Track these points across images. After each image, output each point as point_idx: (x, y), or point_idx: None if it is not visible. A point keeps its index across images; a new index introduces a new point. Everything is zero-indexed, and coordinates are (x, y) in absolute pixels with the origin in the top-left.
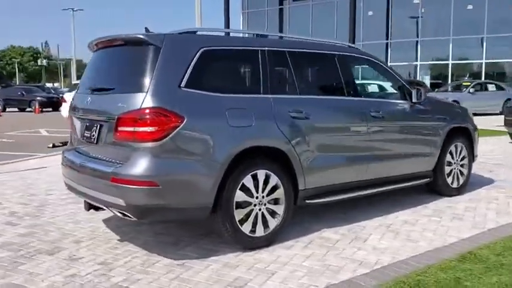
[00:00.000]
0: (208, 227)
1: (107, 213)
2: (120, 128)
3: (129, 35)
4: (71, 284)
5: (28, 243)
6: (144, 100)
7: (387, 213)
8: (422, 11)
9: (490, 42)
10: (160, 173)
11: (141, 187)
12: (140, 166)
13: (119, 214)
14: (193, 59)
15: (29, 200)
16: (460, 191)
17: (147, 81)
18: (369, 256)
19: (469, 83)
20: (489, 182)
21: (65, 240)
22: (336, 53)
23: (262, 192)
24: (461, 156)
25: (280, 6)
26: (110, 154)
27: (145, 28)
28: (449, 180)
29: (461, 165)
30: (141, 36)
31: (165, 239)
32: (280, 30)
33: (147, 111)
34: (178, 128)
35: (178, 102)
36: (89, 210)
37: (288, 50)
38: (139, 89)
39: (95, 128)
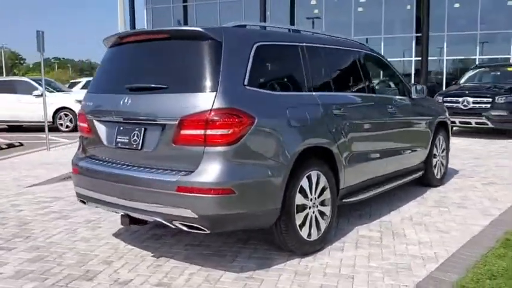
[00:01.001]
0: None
1: (111, 227)
2: (184, 132)
3: (184, 28)
4: None
5: (50, 270)
6: (215, 100)
7: (397, 207)
8: (316, 11)
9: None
10: (236, 179)
11: (217, 195)
12: (214, 172)
13: (183, 227)
14: (250, 54)
15: (1, 219)
16: (442, 181)
17: (213, 79)
18: (424, 250)
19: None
20: (454, 172)
21: (90, 262)
22: (356, 49)
23: (315, 193)
24: (442, 148)
25: (185, 4)
26: (166, 161)
27: (178, 21)
28: (435, 171)
29: (442, 157)
30: (201, 30)
31: (204, 250)
32: None
33: (220, 112)
34: (250, 130)
35: (247, 102)
36: (129, 225)
37: (324, 46)
38: (206, 87)
39: (136, 132)
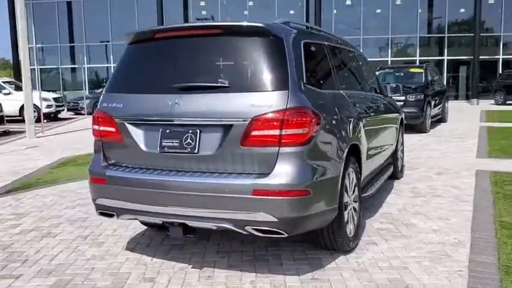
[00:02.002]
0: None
1: (116, 241)
2: (257, 132)
3: (243, 23)
4: None
5: None
6: (289, 98)
7: (384, 199)
8: (204, 13)
9: None
10: (311, 179)
11: (296, 197)
12: (291, 174)
13: (256, 233)
14: (302, 52)
15: None
16: (402, 173)
17: (283, 77)
18: (444, 237)
19: None
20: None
21: (128, 281)
22: (354, 50)
23: (351, 190)
24: (400, 142)
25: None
26: (231, 164)
27: (212, 16)
28: (399, 164)
29: (401, 151)
30: (264, 26)
31: (241, 256)
32: (70, 26)
33: (295, 111)
34: (318, 129)
35: (311, 100)
36: (184, 235)
37: (339, 46)
38: (277, 86)
39: (190, 135)
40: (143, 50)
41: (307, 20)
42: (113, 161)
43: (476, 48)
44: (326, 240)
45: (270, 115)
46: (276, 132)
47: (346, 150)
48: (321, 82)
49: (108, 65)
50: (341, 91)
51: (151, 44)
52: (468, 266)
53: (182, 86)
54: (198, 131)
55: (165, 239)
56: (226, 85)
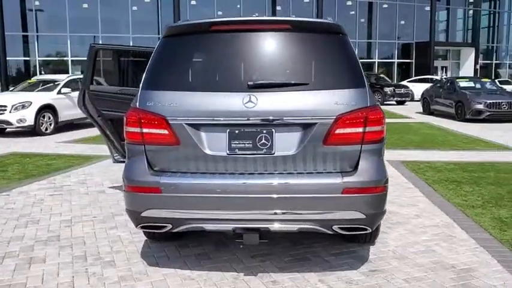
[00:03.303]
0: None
1: (128, 258)
2: (341, 130)
3: (313, 19)
4: None
5: None
6: (368, 96)
7: None
8: (37, 3)
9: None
10: (386, 176)
11: (380, 193)
12: (375, 171)
13: (342, 231)
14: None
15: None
16: None
17: (359, 74)
18: (434, 221)
19: None
20: None
21: None
22: None
23: None
24: None
25: None
26: (311, 163)
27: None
28: None
29: None
30: (336, 23)
31: (280, 258)
32: None
33: (375, 108)
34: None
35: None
36: (260, 240)
37: None
38: (357, 83)
39: (264, 135)
40: (197, 43)
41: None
42: (163, 167)
43: None
44: (367, 235)
45: (355, 113)
46: (360, 129)
47: None
48: None
49: None
50: None
51: (206, 37)
52: (477, 243)
53: (258, 83)
54: (273, 130)
55: (177, 249)
56: (305, 83)
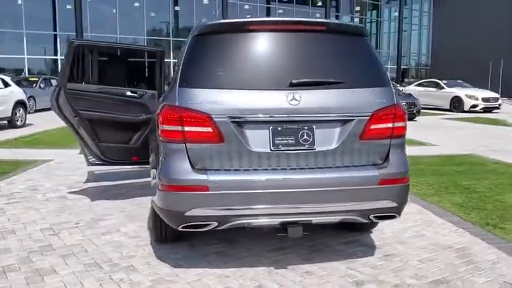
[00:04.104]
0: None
1: (147, 262)
2: (375, 126)
3: (345, 22)
4: None
5: None
6: (395, 94)
7: None
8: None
9: None
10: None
11: (407, 183)
12: (403, 163)
13: (376, 220)
14: None
15: None
16: None
17: (384, 73)
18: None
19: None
20: None
21: None
22: None
23: None
24: None
25: None
26: (348, 157)
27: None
28: None
29: None
30: (361, 26)
31: (297, 251)
32: None
33: (400, 105)
34: None
35: None
36: (302, 234)
37: None
38: (383, 82)
39: (305, 131)
40: (235, 42)
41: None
42: (205, 165)
43: None
44: (369, 225)
45: (387, 109)
46: (390, 125)
47: None
48: None
49: None
50: None
51: (245, 36)
52: (455, 226)
53: (301, 81)
54: (314, 126)
55: (190, 249)
56: (341, 81)
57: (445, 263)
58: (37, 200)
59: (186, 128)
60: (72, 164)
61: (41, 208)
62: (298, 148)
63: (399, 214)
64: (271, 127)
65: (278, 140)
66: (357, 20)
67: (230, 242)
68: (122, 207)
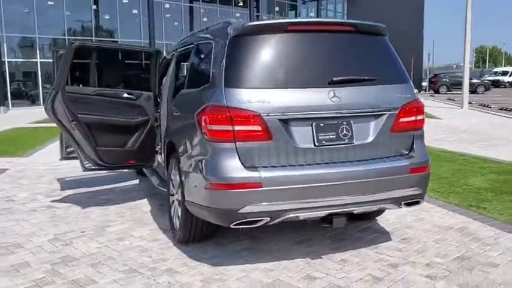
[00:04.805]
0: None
1: (183, 263)
2: (403, 119)
3: (371, 23)
4: None
5: None
6: (415, 90)
7: None
8: None
9: None
10: None
11: (429, 171)
12: (425, 152)
13: (405, 206)
14: None
15: None
16: None
17: (404, 71)
18: None
19: None
20: None
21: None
22: None
23: None
24: None
25: None
26: (382, 149)
27: (311, 16)
28: None
29: None
30: (384, 26)
31: (321, 241)
32: None
33: (419, 99)
34: None
35: None
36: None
37: None
38: (405, 79)
39: (344, 126)
40: (275, 42)
41: None
42: (253, 163)
43: None
44: (376, 213)
45: (412, 103)
46: (413, 118)
47: None
48: None
49: None
50: None
51: (284, 36)
52: (444, 209)
53: (340, 79)
54: (352, 122)
55: (217, 247)
56: (373, 78)
57: (457, 242)
58: (21, 211)
59: (236, 127)
60: (32, 172)
61: (30, 219)
62: (339, 143)
63: (423, 200)
64: (314, 123)
65: (321, 135)
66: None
67: (254, 239)
68: (118, 212)
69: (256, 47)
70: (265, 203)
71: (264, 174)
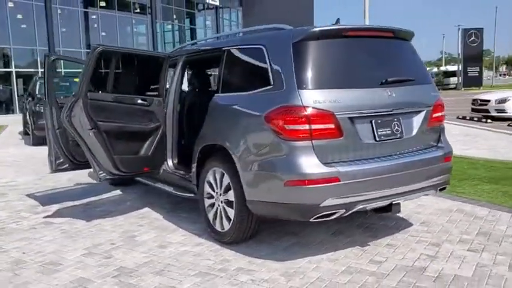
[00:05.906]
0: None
1: (219, 261)
2: (436, 115)
3: (405, 29)
4: None
5: None
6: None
7: None
8: None
9: None
10: None
11: (452, 160)
12: (448, 143)
13: (436, 191)
14: None
15: None
16: None
17: (427, 72)
18: None
19: None
20: None
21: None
22: None
23: None
24: None
25: None
26: (420, 142)
27: (338, 19)
28: None
29: None
30: (411, 32)
31: (350, 233)
32: None
33: (441, 97)
34: None
35: None
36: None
37: None
38: (430, 80)
39: (396, 122)
40: (337, 46)
41: None
42: (326, 159)
43: None
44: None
45: (439, 100)
46: (441, 113)
47: None
48: None
49: None
50: None
51: (346, 41)
52: (434, 197)
53: (393, 80)
54: (401, 118)
55: (263, 245)
56: (412, 79)
57: (467, 221)
58: (21, 229)
59: (313, 126)
60: None
61: (41, 237)
62: (393, 137)
63: (447, 186)
64: (373, 120)
65: (380, 131)
66: (176, 27)
67: (290, 234)
68: (133, 222)
69: (321, 51)
70: (342, 197)
71: (341, 169)
